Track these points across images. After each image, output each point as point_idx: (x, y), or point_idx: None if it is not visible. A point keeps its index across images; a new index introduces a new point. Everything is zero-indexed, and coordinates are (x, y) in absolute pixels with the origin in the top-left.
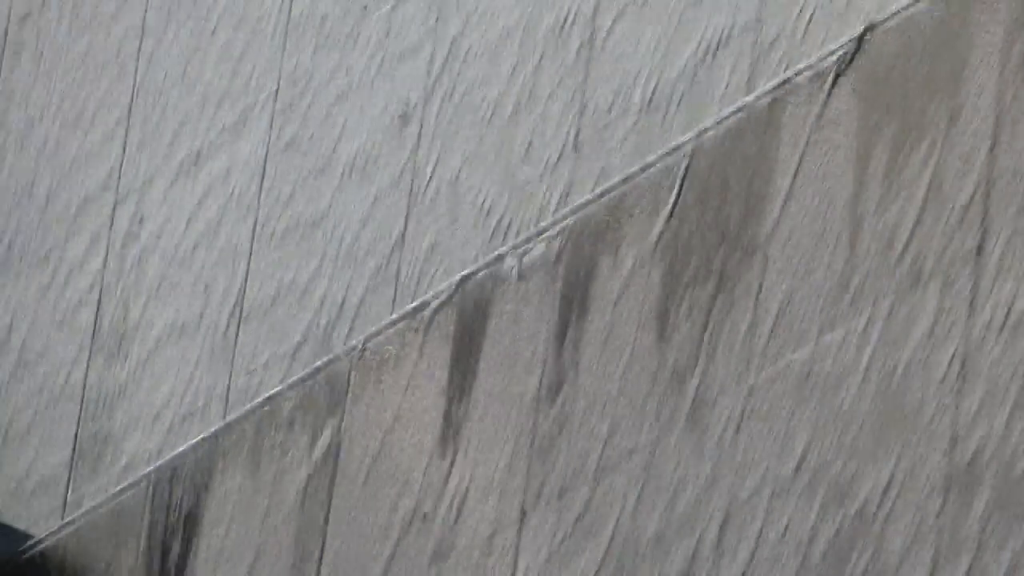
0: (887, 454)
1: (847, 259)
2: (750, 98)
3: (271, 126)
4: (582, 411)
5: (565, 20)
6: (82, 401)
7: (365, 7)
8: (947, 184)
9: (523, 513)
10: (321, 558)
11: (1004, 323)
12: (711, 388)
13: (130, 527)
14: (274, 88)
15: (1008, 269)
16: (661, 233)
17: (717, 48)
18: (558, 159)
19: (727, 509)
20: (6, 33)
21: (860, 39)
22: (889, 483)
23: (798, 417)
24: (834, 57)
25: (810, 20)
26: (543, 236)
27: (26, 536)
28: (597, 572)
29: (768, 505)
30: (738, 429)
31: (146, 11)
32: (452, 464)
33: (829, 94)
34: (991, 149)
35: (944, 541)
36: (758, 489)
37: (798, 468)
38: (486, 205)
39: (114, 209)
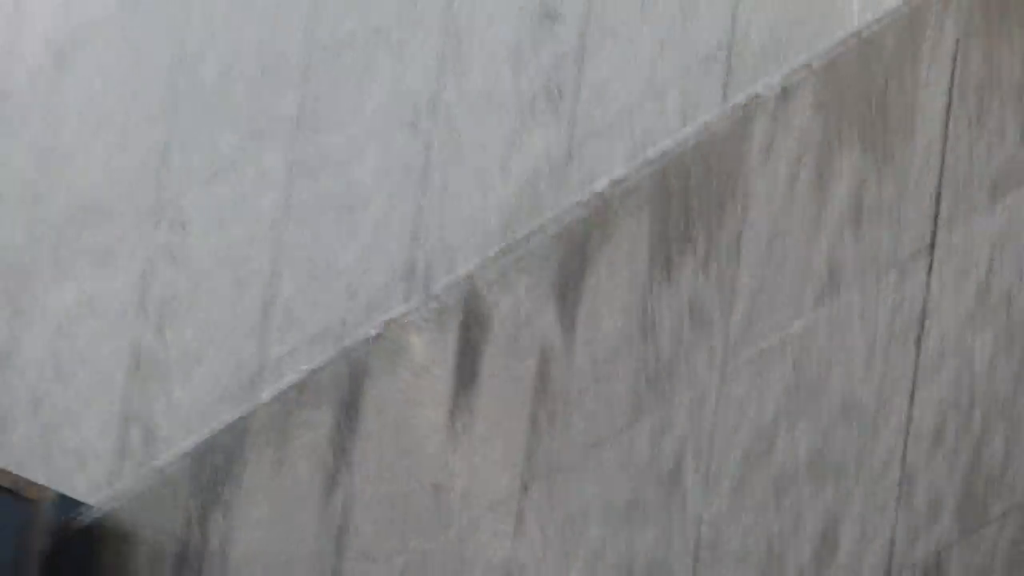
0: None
1: (809, 254)
2: (725, 110)
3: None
4: (576, 392)
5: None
6: (129, 379)
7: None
8: (900, 188)
9: (524, 486)
10: (344, 525)
11: (957, 305)
12: (688, 366)
13: (175, 495)
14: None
15: (954, 256)
16: (648, 229)
17: (698, 64)
18: (554, 164)
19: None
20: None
21: (823, 58)
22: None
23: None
24: (800, 75)
25: (780, 40)
26: (540, 233)
27: (80, 504)
28: (587, 527)
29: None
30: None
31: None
32: (459, 440)
33: (793, 108)
34: (941, 157)
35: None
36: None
37: (771, 441)
38: (489, 204)
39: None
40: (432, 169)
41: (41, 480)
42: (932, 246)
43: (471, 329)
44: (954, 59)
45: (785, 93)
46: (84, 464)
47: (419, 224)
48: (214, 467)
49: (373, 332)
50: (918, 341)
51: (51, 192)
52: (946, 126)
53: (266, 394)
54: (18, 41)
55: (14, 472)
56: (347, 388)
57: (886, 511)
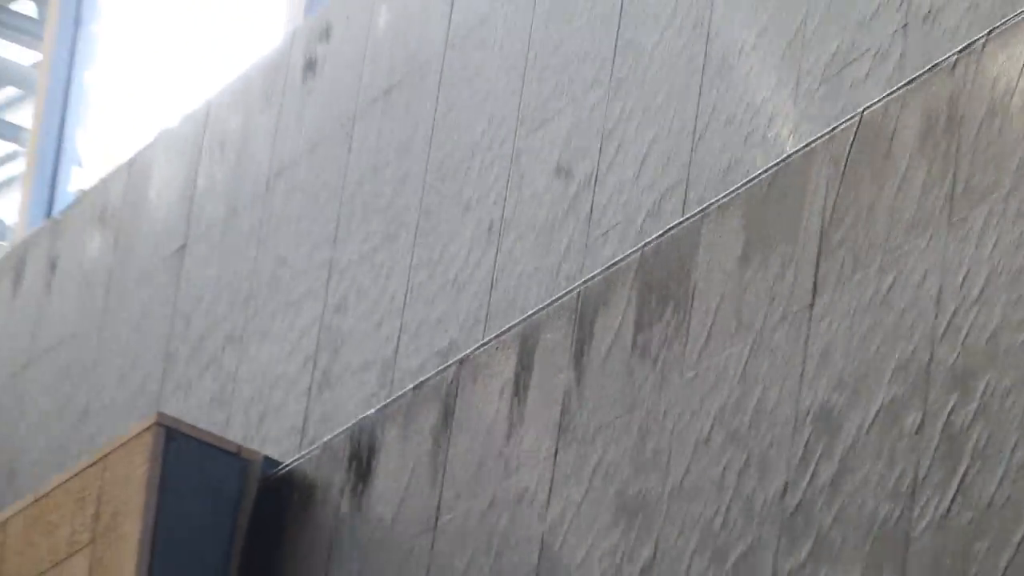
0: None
1: (739, 307)
2: (683, 220)
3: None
4: (593, 394)
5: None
6: (311, 380)
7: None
8: (793, 263)
9: (557, 450)
10: (444, 476)
11: (827, 339)
12: (665, 379)
13: (339, 459)
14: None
15: (828, 312)
16: (633, 293)
17: (665, 191)
18: (573, 243)
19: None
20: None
21: (746, 184)
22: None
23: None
24: (730, 196)
25: (726, 169)
26: (568, 294)
27: (277, 463)
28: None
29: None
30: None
31: None
32: (516, 423)
33: (728, 219)
34: (818, 252)
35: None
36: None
37: (711, 429)
38: (532, 284)
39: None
40: (500, 261)
41: (252, 443)
42: (811, 305)
43: (524, 355)
44: (826, 189)
45: (722, 209)
46: (280, 440)
47: (491, 298)
48: (362, 440)
49: (462, 356)
50: (803, 366)
51: (236, 275)
52: (821, 229)
53: (395, 395)
54: (243, 175)
55: (234, 440)
56: (445, 392)
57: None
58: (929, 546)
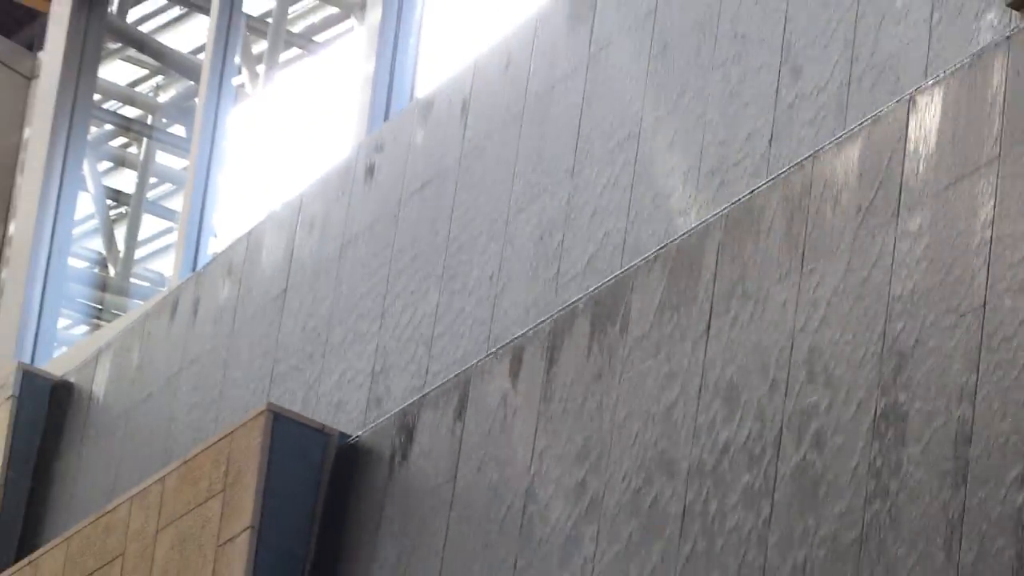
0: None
1: (660, 332)
2: (621, 274)
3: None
4: (561, 389)
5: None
6: (371, 384)
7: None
8: (697, 301)
9: (536, 429)
10: (459, 449)
11: (724, 356)
12: (609, 379)
13: (390, 435)
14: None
15: (719, 338)
16: (587, 321)
17: (609, 252)
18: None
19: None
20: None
21: (668, 247)
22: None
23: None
24: (659, 257)
25: (652, 236)
26: (544, 322)
27: (348, 436)
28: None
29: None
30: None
31: None
32: (509, 412)
33: (655, 271)
34: (712, 291)
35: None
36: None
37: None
38: (532, 301)
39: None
40: (498, 301)
41: (331, 423)
42: (708, 327)
43: (513, 364)
44: (718, 253)
45: (648, 264)
46: (351, 420)
47: (491, 325)
48: (406, 420)
49: (475, 361)
50: (702, 376)
51: (320, 310)
52: (715, 274)
53: (427, 390)
54: (324, 244)
55: (319, 421)
56: (461, 389)
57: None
58: (790, 484)
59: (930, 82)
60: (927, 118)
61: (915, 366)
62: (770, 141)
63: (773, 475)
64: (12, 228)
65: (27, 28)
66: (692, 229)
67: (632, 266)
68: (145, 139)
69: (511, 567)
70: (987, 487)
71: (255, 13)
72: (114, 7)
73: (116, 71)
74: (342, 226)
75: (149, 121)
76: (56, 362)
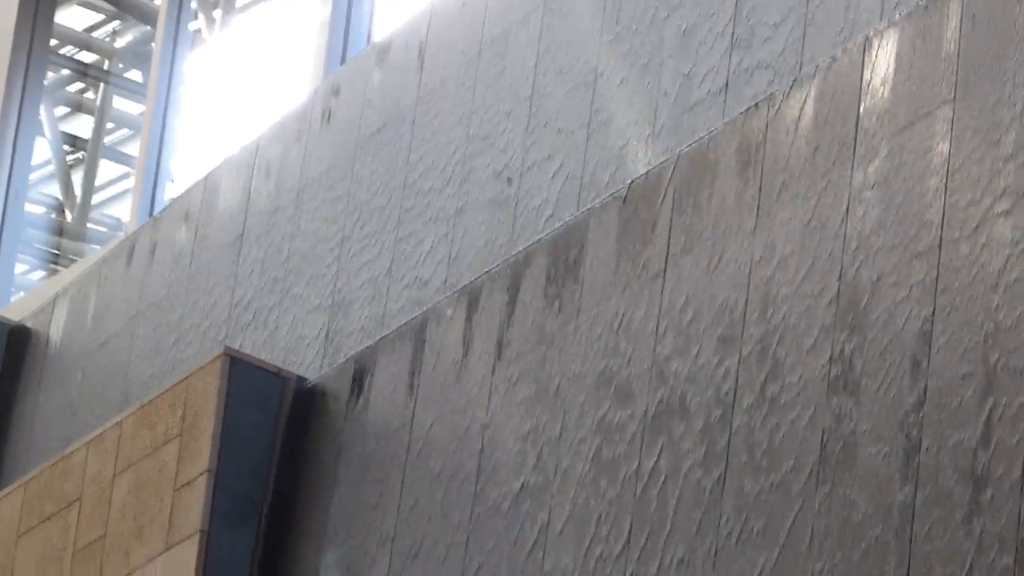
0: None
1: (616, 273)
2: (578, 214)
3: None
4: (518, 331)
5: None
6: (328, 327)
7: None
8: (644, 254)
9: (493, 370)
10: (416, 392)
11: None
12: (565, 321)
13: (346, 378)
14: None
15: (675, 285)
16: (544, 263)
17: (566, 188)
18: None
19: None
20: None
21: (619, 192)
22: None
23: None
24: (615, 200)
25: (611, 178)
26: (502, 264)
27: (305, 380)
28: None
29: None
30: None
31: None
32: (466, 353)
33: (608, 211)
34: (667, 245)
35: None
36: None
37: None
38: (491, 249)
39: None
40: (457, 241)
41: (288, 367)
42: (664, 270)
43: (471, 306)
44: (673, 197)
45: (605, 207)
46: (308, 363)
47: (449, 266)
48: (363, 364)
49: (432, 305)
50: (657, 331)
51: (277, 255)
52: (670, 217)
53: (384, 333)
54: (281, 188)
55: (276, 364)
56: (417, 331)
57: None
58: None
59: (886, 25)
60: (883, 61)
61: (870, 308)
62: (726, 84)
63: (729, 417)
64: None
65: None
66: (648, 172)
67: (588, 209)
68: (102, 84)
69: (468, 512)
70: (941, 427)
71: None
72: None
73: (72, 16)
74: (299, 170)
75: (106, 66)
76: (13, 307)
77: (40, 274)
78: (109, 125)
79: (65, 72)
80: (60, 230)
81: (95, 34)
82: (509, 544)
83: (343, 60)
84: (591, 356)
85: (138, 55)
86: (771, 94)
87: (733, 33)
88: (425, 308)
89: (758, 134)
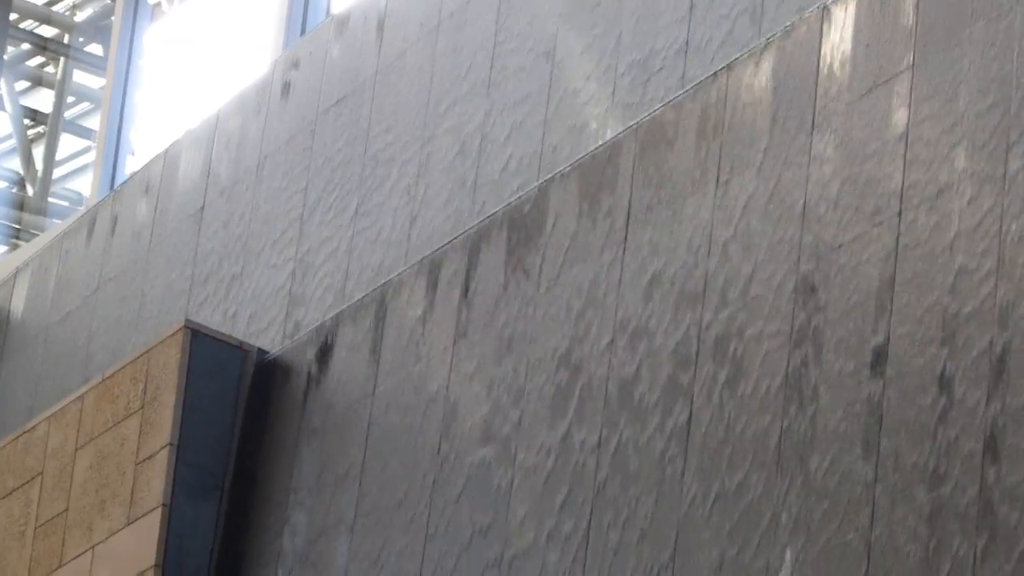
0: None
1: (578, 242)
2: (534, 188)
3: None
4: (478, 302)
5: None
6: (289, 296)
7: None
8: (605, 218)
9: (454, 342)
10: (377, 363)
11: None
12: (527, 291)
13: (308, 350)
14: None
15: (633, 254)
16: (505, 233)
17: (523, 161)
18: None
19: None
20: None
21: (580, 159)
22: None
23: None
24: (575, 169)
25: (571, 148)
26: (462, 234)
27: (266, 352)
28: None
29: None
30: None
31: None
32: (426, 326)
33: (567, 182)
34: (627, 214)
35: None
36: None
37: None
38: (450, 208)
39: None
40: (416, 211)
41: (249, 340)
42: (625, 239)
43: (431, 277)
44: (633, 165)
45: (564, 175)
46: (269, 336)
47: (409, 236)
48: (324, 336)
49: (391, 278)
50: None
51: (238, 227)
52: (631, 186)
53: (346, 304)
54: (241, 159)
55: (237, 337)
56: (378, 303)
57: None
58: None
59: None
60: (841, 29)
61: (831, 274)
62: (685, 53)
63: (690, 385)
64: None
65: None
66: (608, 141)
67: (549, 178)
68: (62, 58)
69: (430, 482)
70: (904, 388)
71: None
72: None
73: None
74: (259, 143)
75: (66, 40)
76: None
77: (1, 248)
78: (70, 99)
79: (25, 46)
80: (21, 204)
81: (55, 8)
82: (470, 512)
83: (302, 32)
84: (552, 325)
85: (98, 29)
86: (729, 63)
87: (692, 4)
88: (386, 280)
89: (717, 103)
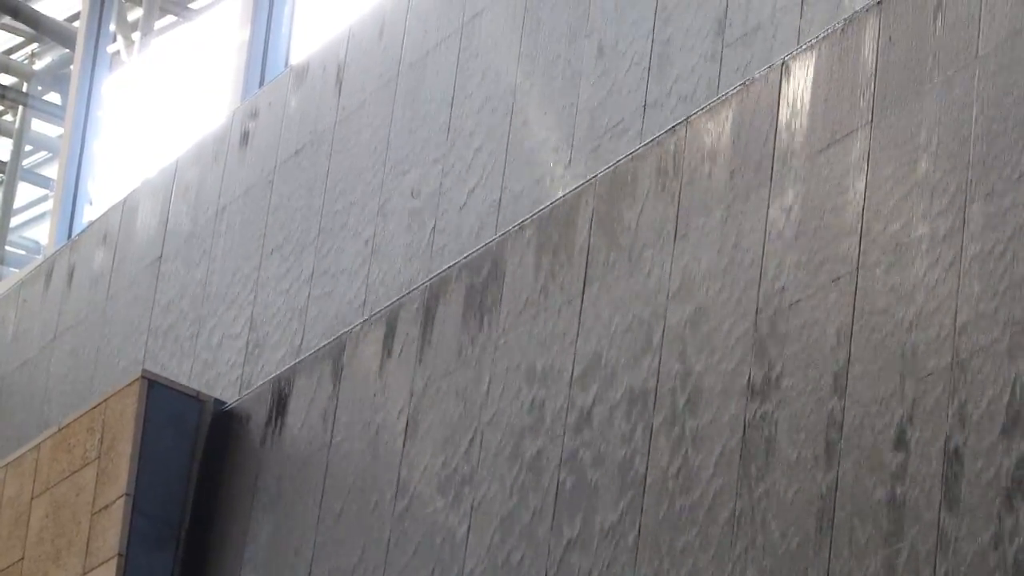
0: None
1: (535, 293)
2: (496, 239)
3: None
4: (435, 353)
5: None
6: (246, 348)
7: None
8: (570, 262)
9: (411, 392)
10: (335, 415)
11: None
12: (486, 341)
13: (265, 401)
14: None
15: (598, 302)
16: (462, 286)
17: (484, 214)
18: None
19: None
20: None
21: (539, 213)
22: None
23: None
24: (532, 222)
25: (528, 202)
26: (420, 287)
27: (223, 403)
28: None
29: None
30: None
31: None
32: (384, 377)
33: (528, 236)
34: (586, 256)
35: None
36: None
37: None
38: (411, 269)
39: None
40: (374, 263)
41: (206, 390)
42: (582, 292)
43: (389, 328)
44: (591, 219)
45: (522, 227)
46: (227, 387)
47: (366, 289)
48: (280, 388)
49: (353, 328)
50: (575, 338)
51: (195, 277)
52: (588, 239)
53: (302, 356)
54: (199, 209)
55: (194, 387)
56: (336, 354)
57: None
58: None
59: (802, 47)
60: (799, 84)
61: (788, 331)
62: (644, 107)
63: (648, 438)
64: None
65: None
66: (566, 195)
67: (506, 232)
68: (20, 106)
69: (385, 536)
70: (859, 453)
71: None
72: None
73: None
74: (217, 193)
75: (24, 88)
76: None
77: None
78: (27, 147)
79: None
80: None
81: (13, 56)
82: (427, 567)
83: (261, 83)
84: (509, 380)
85: (57, 77)
86: (688, 117)
87: (651, 57)
88: (342, 332)
89: (676, 156)
